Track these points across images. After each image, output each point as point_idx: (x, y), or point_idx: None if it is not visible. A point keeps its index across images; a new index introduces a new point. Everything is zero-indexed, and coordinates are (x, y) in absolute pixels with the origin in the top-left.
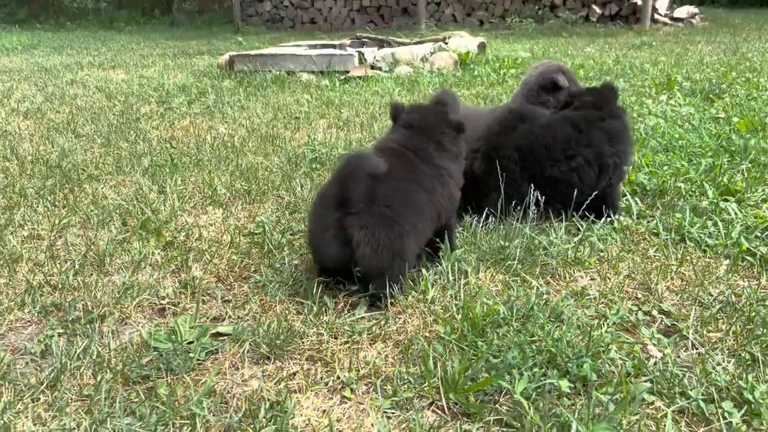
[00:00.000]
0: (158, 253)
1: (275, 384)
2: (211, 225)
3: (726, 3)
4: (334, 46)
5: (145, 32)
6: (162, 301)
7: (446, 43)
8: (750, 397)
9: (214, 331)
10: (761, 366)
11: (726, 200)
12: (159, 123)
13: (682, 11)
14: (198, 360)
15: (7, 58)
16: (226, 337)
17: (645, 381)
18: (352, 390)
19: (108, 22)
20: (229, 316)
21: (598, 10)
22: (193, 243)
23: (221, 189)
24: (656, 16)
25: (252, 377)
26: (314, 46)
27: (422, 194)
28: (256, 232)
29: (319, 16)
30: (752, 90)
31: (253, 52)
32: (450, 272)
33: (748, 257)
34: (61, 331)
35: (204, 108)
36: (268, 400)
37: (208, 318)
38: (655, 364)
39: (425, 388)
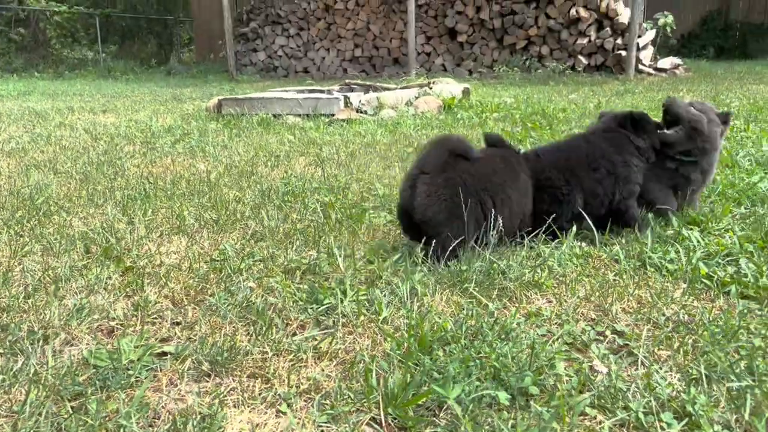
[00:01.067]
0: (116, 278)
1: (211, 399)
2: (174, 252)
3: (711, 55)
4: (321, 91)
5: (141, 81)
6: (111, 323)
7: (431, 88)
8: (691, 409)
9: (158, 350)
10: (705, 380)
11: (690, 229)
12: (140, 161)
13: (666, 62)
14: (136, 377)
15: (0, 103)
16: (169, 356)
17: (588, 395)
18: (289, 405)
19: (106, 71)
20: (177, 337)
21: (584, 60)
22: (152, 269)
23: (189, 219)
24: (640, 66)
25: (188, 393)
26: (302, 91)
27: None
28: (218, 258)
29: (312, 65)
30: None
31: (241, 96)
32: (406, 294)
33: (705, 281)
34: (1, 351)
35: (187, 148)
36: (200, 413)
37: (156, 338)
38: (601, 379)
39: (365, 404)
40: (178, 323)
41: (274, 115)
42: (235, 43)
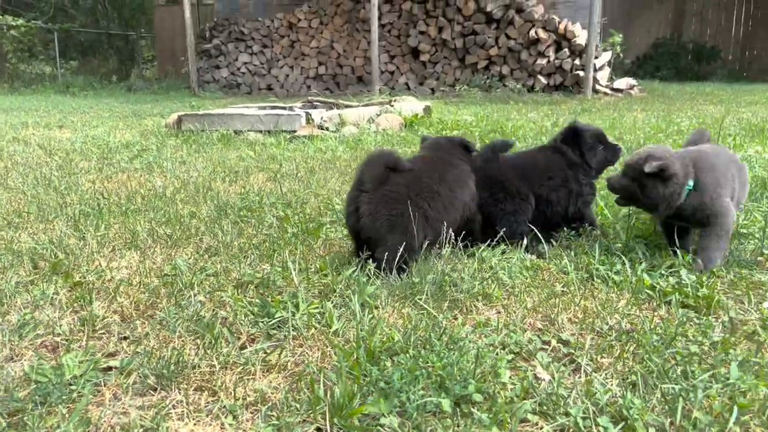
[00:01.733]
0: (63, 294)
1: (155, 412)
2: (126, 267)
3: (664, 76)
4: (283, 108)
5: (101, 97)
6: (56, 338)
7: (392, 106)
8: (627, 413)
9: (104, 365)
10: (642, 386)
11: (637, 242)
12: (95, 177)
13: (622, 83)
14: (79, 392)
15: None
16: (114, 370)
17: (531, 402)
18: (234, 417)
19: (64, 87)
20: (124, 351)
21: (543, 80)
22: (101, 284)
23: (143, 234)
24: (597, 86)
25: (132, 407)
26: (264, 108)
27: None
28: (170, 273)
29: (275, 82)
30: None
31: (201, 112)
32: (358, 306)
33: (648, 291)
34: None
35: (144, 164)
36: (142, 426)
37: (102, 353)
38: (544, 387)
39: (311, 414)
40: (125, 338)
41: (235, 132)
42: (197, 59)
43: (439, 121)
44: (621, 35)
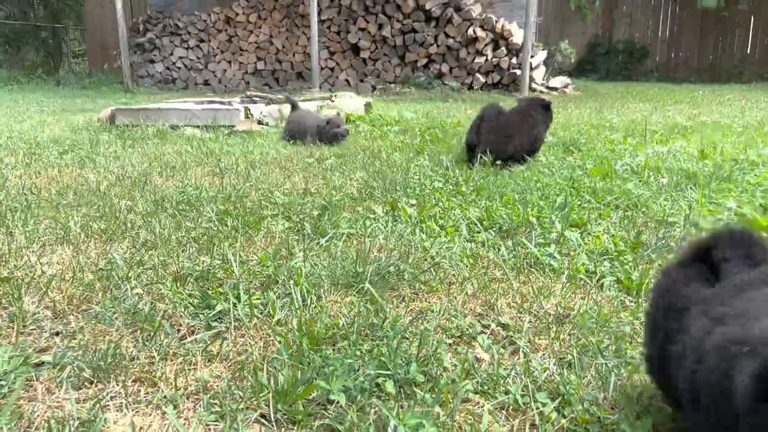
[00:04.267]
0: None
1: (92, 404)
2: (58, 263)
3: (597, 76)
4: (221, 103)
5: (26, 92)
6: None
7: (332, 102)
8: (563, 389)
9: (35, 360)
10: (577, 364)
11: (572, 231)
12: (23, 172)
13: (557, 81)
14: (9, 388)
15: None
16: (46, 365)
17: (472, 382)
18: (175, 406)
19: None
20: (57, 346)
21: (481, 78)
22: (31, 279)
23: (76, 229)
24: (533, 85)
25: (67, 400)
26: (201, 102)
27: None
28: (105, 268)
29: (213, 78)
30: (607, 144)
31: (135, 107)
32: (300, 295)
33: (583, 277)
34: None
35: (76, 158)
36: (78, 419)
37: (33, 349)
38: (484, 367)
39: (254, 401)
40: (58, 333)
41: (172, 126)
42: (130, 53)
43: (380, 118)
44: (566, 43)
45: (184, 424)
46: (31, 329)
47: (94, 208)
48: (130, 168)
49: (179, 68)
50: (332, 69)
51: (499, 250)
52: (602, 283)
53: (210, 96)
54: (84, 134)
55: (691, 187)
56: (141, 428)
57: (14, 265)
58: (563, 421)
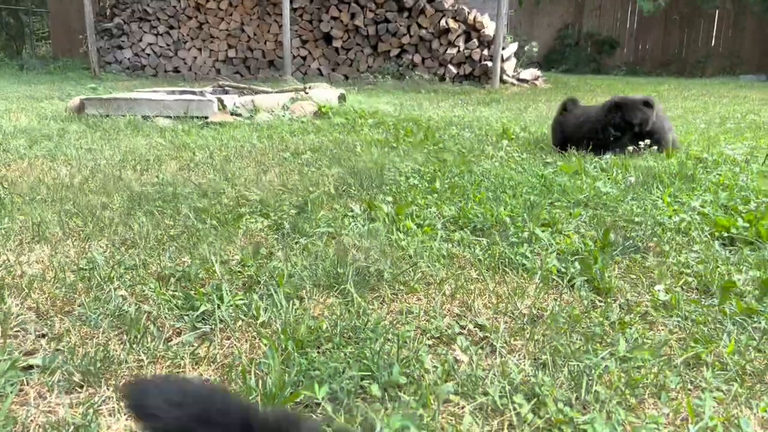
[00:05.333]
0: None
1: (85, 409)
2: (37, 262)
3: (566, 68)
4: (193, 93)
5: None
6: None
7: (306, 93)
8: (538, 390)
9: (24, 364)
10: (551, 365)
11: (544, 231)
12: None
13: (527, 73)
14: (1, 392)
15: None
16: (36, 369)
17: (452, 383)
18: None
19: None
20: (44, 349)
21: (453, 69)
22: (12, 279)
23: (53, 227)
24: (504, 77)
25: (59, 405)
26: (173, 92)
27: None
28: (85, 267)
29: (183, 65)
30: None
31: (105, 96)
32: (283, 297)
33: (555, 277)
34: None
35: (46, 150)
36: (73, 424)
37: (20, 352)
38: (464, 369)
39: None
40: (44, 335)
41: (143, 117)
42: (97, 38)
43: (354, 110)
44: (534, 43)
45: None
46: (16, 331)
47: (69, 204)
48: (103, 161)
49: (148, 55)
50: (304, 58)
51: (474, 249)
52: (573, 284)
53: (181, 84)
54: (52, 125)
55: (657, 186)
56: None
57: None
58: (539, 421)
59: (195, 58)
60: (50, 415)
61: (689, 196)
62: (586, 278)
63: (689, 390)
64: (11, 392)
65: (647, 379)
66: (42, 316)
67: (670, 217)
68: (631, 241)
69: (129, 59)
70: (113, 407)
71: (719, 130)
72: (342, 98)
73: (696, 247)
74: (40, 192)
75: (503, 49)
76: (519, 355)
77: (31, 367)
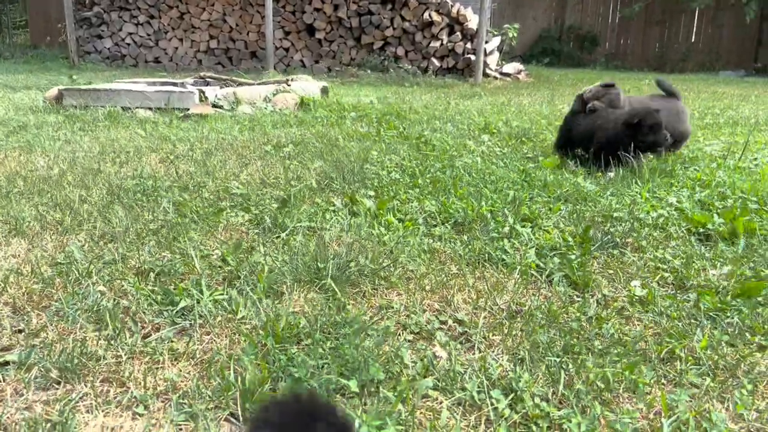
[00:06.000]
0: None
1: (62, 406)
2: (13, 256)
3: (548, 62)
4: (174, 84)
5: None
6: None
7: (289, 85)
8: (516, 386)
9: (1, 360)
10: (529, 360)
11: (524, 226)
12: None
13: (510, 67)
14: None
15: None
16: (12, 365)
17: (431, 379)
18: (145, 407)
19: None
20: (20, 345)
21: (436, 62)
22: None
23: (30, 221)
24: (487, 70)
25: (36, 402)
26: (153, 83)
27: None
28: (63, 262)
29: (164, 55)
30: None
31: (84, 87)
32: (263, 292)
33: (534, 272)
34: None
35: (22, 142)
36: (49, 421)
37: None
38: (443, 364)
39: (223, 400)
40: (20, 330)
41: (123, 108)
42: (76, 27)
43: (337, 103)
44: (515, 27)
45: (155, 424)
46: None
47: (47, 197)
48: (82, 154)
49: (128, 45)
50: (287, 49)
51: (455, 244)
52: (552, 279)
53: (162, 75)
54: (30, 116)
55: (636, 182)
56: (112, 429)
57: None
58: (516, 416)
59: (176, 48)
60: (27, 412)
61: (667, 192)
62: (564, 273)
63: (663, 384)
64: None
65: (623, 374)
66: (18, 311)
67: (648, 212)
68: (609, 237)
69: (109, 49)
70: (91, 404)
71: (697, 126)
72: (324, 91)
73: (673, 242)
74: (17, 185)
75: (486, 42)
76: (497, 350)
77: (7, 363)
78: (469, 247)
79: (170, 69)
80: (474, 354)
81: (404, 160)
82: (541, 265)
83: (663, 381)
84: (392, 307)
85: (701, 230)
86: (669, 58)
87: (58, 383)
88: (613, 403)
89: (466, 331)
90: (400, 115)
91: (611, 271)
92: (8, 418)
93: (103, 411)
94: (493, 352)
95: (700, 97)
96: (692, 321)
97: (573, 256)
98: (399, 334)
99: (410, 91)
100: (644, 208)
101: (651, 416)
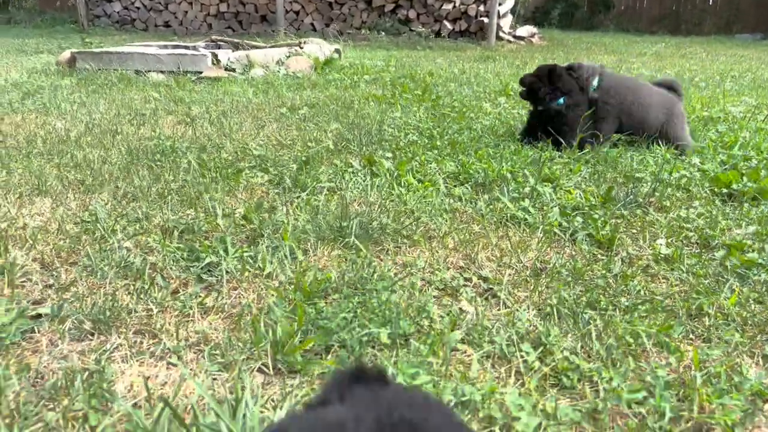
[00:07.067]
0: None
1: (98, 356)
2: (39, 214)
3: (562, 26)
4: (186, 47)
5: None
6: None
7: (301, 48)
8: (544, 339)
9: (33, 312)
10: (556, 315)
11: (545, 186)
12: None
13: (524, 30)
14: (11, 341)
15: None
16: (45, 317)
17: (459, 332)
18: (179, 357)
19: None
20: (52, 299)
21: (449, 25)
22: (14, 231)
23: (52, 180)
24: (500, 33)
25: (72, 352)
26: (165, 47)
27: None
28: (88, 220)
29: (173, 19)
30: None
31: (97, 50)
32: (288, 250)
33: (557, 231)
34: None
35: (39, 104)
36: (87, 370)
37: (28, 301)
38: (470, 319)
39: (254, 352)
40: (50, 286)
41: (136, 72)
42: None
43: (350, 66)
44: None
45: (190, 373)
46: (22, 282)
47: (67, 158)
48: (98, 116)
49: (138, 8)
50: (297, 13)
51: (476, 204)
52: (575, 238)
53: (173, 39)
54: (44, 79)
55: (658, 143)
56: (148, 378)
57: None
58: (545, 369)
59: (186, 12)
60: (63, 361)
61: (689, 153)
62: (588, 232)
63: (692, 340)
64: (22, 340)
65: (651, 329)
66: (47, 267)
67: (670, 173)
68: (632, 197)
69: (118, 13)
70: (125, 354)
71: (719, 89)
72: (337, 54)
73: (696, 203)
74: (36, 146)
75: (500, 5)
76: (524, 305)
77: (40, 315)
78: (491, 206)
79: (180, 33)
80: (500, 309)
81: (421, 122)
82: (565, 224)
83: (691, 337)
84: (416, 265)
85: (725, 191)
86: (684, 20)
87: (92, 335)
88: (642, 357)
89: (491, 288)
90: (414, 77)
91: (635, 231)
92: (45, 366)
93: (137, 361)
94: (519, 307)
95: (718, 60)
96: (719, 279)
97: (596, 215)
98: (425, 290)
99: (423, 55)
100: (666, 169)
101: (681, 370)
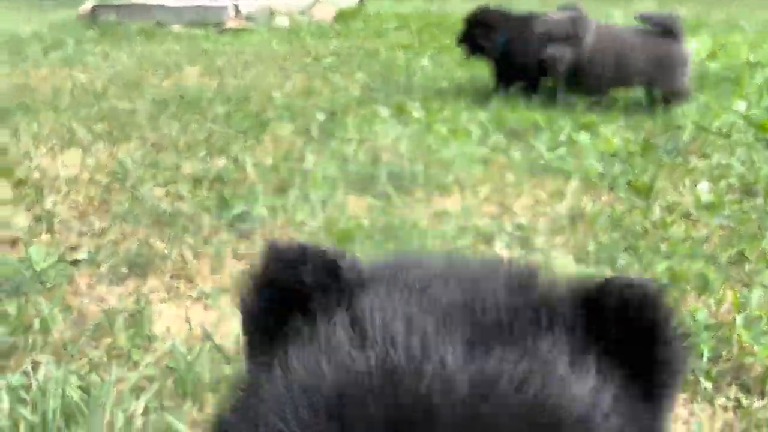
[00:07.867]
0: (7, 191)
1: (136, 298)
2: (70, 165)
3: None
4: None
5: None
6: (15, 234)
7: None
8: None
9: (71, 258)
10: (594, 258)
11: (581, 134)
12: (11, 72)
13: None
14: (52, 283)
15: None
16: (82, 262)
17: None
18: (215, 300)
19: None
20: (88, 245)
21: None
22: (48, 181)
23: (81, 131)
24: None
25: (110, 294)
26: None
27: None
28: (118, 170)
29: None
30: None
31: (117, 2)
32: (319, 198)
33: (595, 179)
34: None
35: (63, 58)
36: (126, 311)
37: (65, 247)
38: None
39: None
40: (84, 233)
41: (157, 23)
42: None
43: (377, 14)
44: None
45: (225, 316)
46: (59, 229)
47: (94, 110)
48: (121, 68)
49: None
50: None
51: (510, 152)
52: (613, 186)
53: None
54: (65, 31)
55: (698, 89)
56: (186, 319)
57: (28, 167)
58: None
59: None
60: (102, 303)
61: (733, 99)
62: (626, 180)
63: (731, 284)
64: (63, 284)
65: (690, 272)
66: (81, 214)
67: (713, 120)
68: (673, 144)
69: None
70: (163, 296)
71: (766, 35)
72: (362, 1)
73: (739, 149)
74: (63, 99)
75: None
76: (561, 252)
77: (77, 261)
78: (525, 155)
79: None
80: (537, 256)
81: (449, 71)
82: (602, 171)
83: (731, 281)
84: (449, 213)
85: None
86: None
87: (128, 278)
88: (682, 300)
89: (527, 236)
90: (441, 25)
91: (675, 178)
92: (86, 308)
93: (175, 303)
94: (557, 253)
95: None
96: (762, 225)
97: (636, 162)
98: (458, 238)
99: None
100: (708, 116)
101: (721, 312)
